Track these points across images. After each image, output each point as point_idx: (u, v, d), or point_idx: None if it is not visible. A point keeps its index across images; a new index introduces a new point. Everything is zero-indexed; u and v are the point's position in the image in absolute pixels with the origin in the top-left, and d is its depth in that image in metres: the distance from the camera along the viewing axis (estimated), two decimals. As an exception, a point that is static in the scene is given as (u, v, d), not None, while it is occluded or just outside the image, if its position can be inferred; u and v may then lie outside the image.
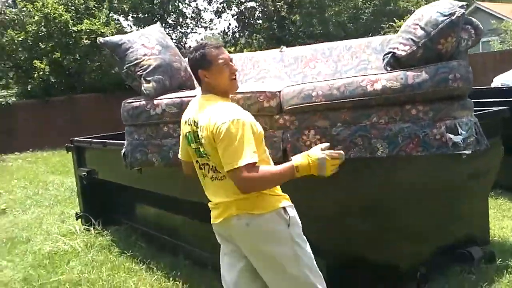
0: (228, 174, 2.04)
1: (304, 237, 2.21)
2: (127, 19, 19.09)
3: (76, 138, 5.55)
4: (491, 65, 15.94)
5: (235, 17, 21.03)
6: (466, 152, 2.50)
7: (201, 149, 2.18)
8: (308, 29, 19.74)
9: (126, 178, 4.90)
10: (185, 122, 2.28)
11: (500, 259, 3.55)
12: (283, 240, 2.13)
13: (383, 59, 2.79)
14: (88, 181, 5.32)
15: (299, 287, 2.17)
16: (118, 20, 17.96)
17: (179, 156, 2.47)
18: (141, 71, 3.50)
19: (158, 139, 3.48)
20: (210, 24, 21.17)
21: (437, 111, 2.54)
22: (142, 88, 3.47)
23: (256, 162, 2.01)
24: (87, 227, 5.37)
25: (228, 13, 21.05)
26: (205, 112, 2.14)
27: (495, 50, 18.82)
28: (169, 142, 3.41)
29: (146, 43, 3.63)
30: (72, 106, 16.38)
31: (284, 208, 2.15)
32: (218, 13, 20.52)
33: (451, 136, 2.48)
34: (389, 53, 2.74)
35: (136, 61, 3.53)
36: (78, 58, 15.98)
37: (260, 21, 21.84)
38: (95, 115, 16.25)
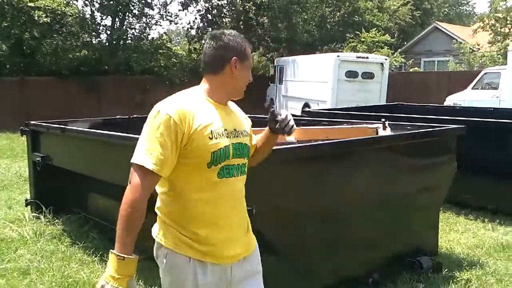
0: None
1: None
2: (91, 4, 18.44)
3: (32, 122, 5.32)
4: (444, 84, 16.61)
5: (201, 13, 20.86)
6: None
7: None
8: (275, 32, 19.86)
9: (82, 166, 4.77)
10: None
11: (446, 270, 3.74)
12: None
13: None
14: (42, 167, 5.12)
15: None
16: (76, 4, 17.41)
17: None
18: None
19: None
20: (175, 18, 20.84)
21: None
22: None
23: (150, 170, 1.68)
24: (36, 214, 5.15)
25: (194, 7, 20.82)
26: None
27: (450, 70, 19.62)
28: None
29: None
30: (24, 88, 15.59)
31: None
32: (185, 6, 20.28)
33: None
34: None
35: None
36: (37, 36, 15.27)
37: (227, 20, 21.77)
38: (47, 99, 15.51)
